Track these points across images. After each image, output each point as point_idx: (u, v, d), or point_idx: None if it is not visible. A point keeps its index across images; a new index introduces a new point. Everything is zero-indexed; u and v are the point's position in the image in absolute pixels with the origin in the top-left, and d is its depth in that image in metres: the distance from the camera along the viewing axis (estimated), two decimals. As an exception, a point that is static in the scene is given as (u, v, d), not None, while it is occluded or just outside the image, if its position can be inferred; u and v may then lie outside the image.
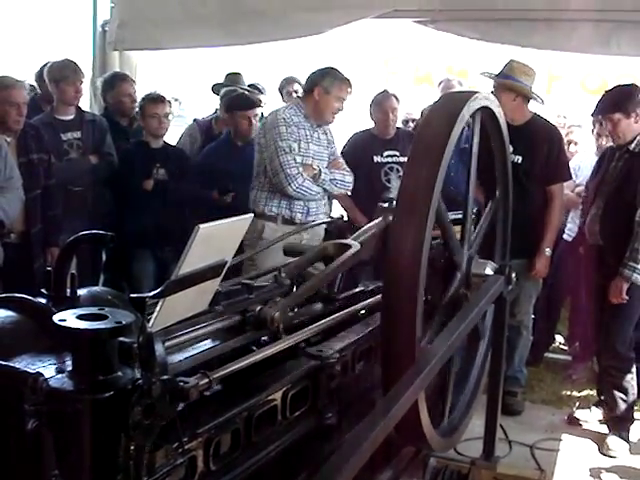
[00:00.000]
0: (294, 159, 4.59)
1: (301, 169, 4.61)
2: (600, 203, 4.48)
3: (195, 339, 1.95)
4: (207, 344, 1.99)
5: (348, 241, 2.67)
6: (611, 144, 4.64)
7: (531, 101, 4.81)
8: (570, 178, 5.02)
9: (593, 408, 4.81)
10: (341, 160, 4.92)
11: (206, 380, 1.63)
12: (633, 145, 4.34)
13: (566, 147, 5.76)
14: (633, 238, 4.20)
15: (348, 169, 4.88)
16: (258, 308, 2.13)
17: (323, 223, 3.25)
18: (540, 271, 4.78)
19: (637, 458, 4.34)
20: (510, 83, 4.66)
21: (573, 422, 4.76)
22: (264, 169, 4.73)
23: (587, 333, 5.23)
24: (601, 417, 4.71)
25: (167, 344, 1.81)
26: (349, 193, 5.01)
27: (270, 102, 6.91)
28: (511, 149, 4.64)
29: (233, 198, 5.13)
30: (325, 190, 4.75)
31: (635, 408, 4.57)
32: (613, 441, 4.41)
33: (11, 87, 4.43)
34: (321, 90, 4.66)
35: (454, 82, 6.48)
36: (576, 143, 5.93)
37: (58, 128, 5.04)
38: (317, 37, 6.19)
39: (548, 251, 4.73)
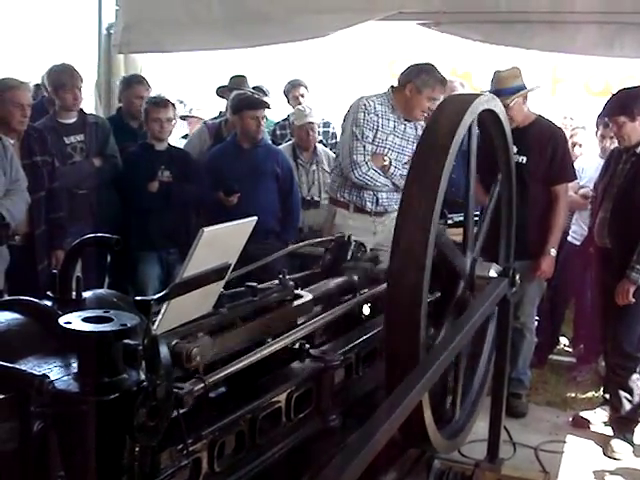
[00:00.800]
0: (364, 147, 4.56)
1: (368, 158, 4.57)
2: (608, 205, 4.48)
3: None
4: None
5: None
6: (616, 145, 4.63)
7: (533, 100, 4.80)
8: (575, 178, 5.01)
9: (598, 410, 4.80)
10: None
11: (201, 385, 1.63)
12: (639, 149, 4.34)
13: (570, 149, 5.76)
14: None
15: None
16: (174, 342, 1.74)
17: (324, 241, 3.21)
18: (545, 272, 4.77)
19: (642, 460, 4.34)
20: (523, 94, 4.66)
21: (577, 424, 4.75)
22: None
23: (592, 335, 5.22)
24: (605, 419, 4.70)
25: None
26: None
27: (275, 104, 6.93)
28: (515, 150, 4.66)
29: (239, 199, 5.12)
30: (395, 185, 4.66)
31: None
32: (618, 443, 4.41)
33: (15, 88, 4.44)
34: (413, 87, 4.58)
35: (456, 84, 6.47)
36: (580, 145, 5.92)
37: (61, 132, 5.04)
38: (321, 40, 6.20)
39: (553, 251, 4.72)
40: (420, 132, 4.68)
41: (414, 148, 4.60)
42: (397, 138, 4.68)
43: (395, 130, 4.68)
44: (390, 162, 4.63)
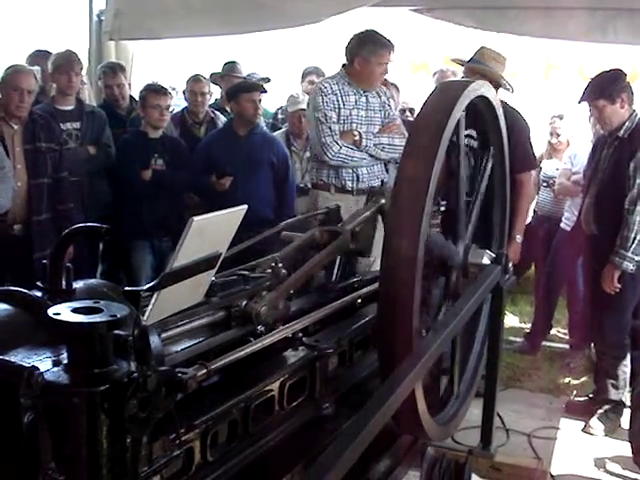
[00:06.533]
0: (329, 127, 4.59)
1: (337, 137, 4.60)
2: (593, 191, 4.48)
3: (177, 335, 1.93)
4: (197, 338, 1.98)
5: (337, 227, 2.71)
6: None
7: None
8: (536, 167, 4.92)
9: (591, 396, 4.82)
10: (397, 123, 4.78)
11: (204, 371, 1.63)
12: (622, 131, 4.32)
13: (550, 138, 5.75)
14: (623, 226, 4.20)
15: (402, 133, 4.70)
16: (244, 303, 2.09)
17: (319, 214, 3.22)
18: (512, 258, 4.75)
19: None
20: (481, 68, 4.58)
21: (571, 410, 4.77)
22: None
23: (584, 321, 5.23)
24: (598, 404, 4.71)
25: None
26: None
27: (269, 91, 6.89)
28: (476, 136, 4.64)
29: (234, 188, 5.09)
30: (372, 156, 4.67)
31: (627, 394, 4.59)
32: (596, 423, 4.45)
33: (19, 72, 4.45)
34: (361, 60, 4.61)
35: (448, 73, 6.44)
36: (559, 134, 5.88)
37: (57, 117, 5.02)
38: (315, 26, 6.16)
39: (519, 238, 4.68)
40: (385, 99, 4.77)
41: (382, 116, 4.71)
42: (362, 111, 4.69)
43: (357, 104, 4.69)
44: (360, 135, 4.64)
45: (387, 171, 4.83)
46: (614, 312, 4.40)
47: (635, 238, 4.18)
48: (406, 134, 4.72)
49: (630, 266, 4.22)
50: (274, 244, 3.34)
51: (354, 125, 4.67)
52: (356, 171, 4.69)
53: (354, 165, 4.66)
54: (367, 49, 4.59)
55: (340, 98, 4.66)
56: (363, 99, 4.72)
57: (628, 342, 4.48)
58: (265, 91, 5.42)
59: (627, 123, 4.31)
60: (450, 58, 5.03)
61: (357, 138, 4.64)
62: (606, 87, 4.29)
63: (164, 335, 1.79)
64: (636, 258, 4.20)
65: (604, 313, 4.45)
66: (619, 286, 4.26)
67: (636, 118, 4.32)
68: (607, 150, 4.42)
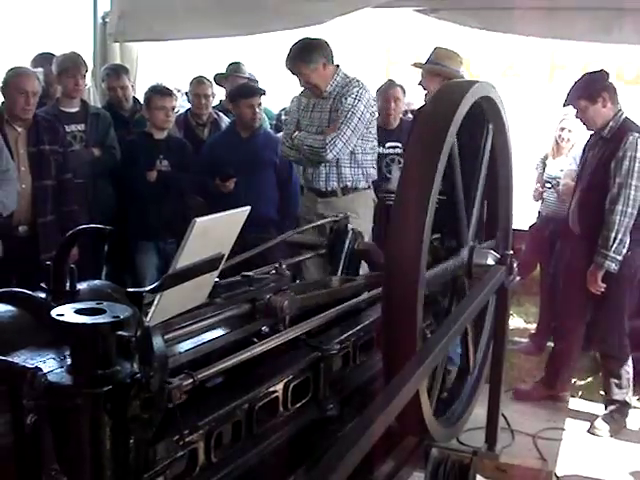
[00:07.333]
0: (287, 128, 4.80)
1: (285, 135, 4.77)
2: (578, 192, 4.49)
3: (203, 328, 2.01)
4: (214, 334, 2.04)
5: (356, 278, 2.93)
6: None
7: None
8: None
9: (595, 396, 4.81)
10: (336, 125, 4.45)
11: (190, 381, 1.63)
12: (606, 131, 4.32)
13: (559, 134, 5.73)
14: (604, 225, 4.19)
15: (327, 135, 4.43)
16: (267, 296, 2.23)
17: (328, 222, 3.26)
18: None
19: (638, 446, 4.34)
20: (437, 68, 4.65)
21: (519, 396, 4.77)
22: None
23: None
24: (603, 405, 4.71)
25: (176, 333, 1.88)
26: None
27: (272, 92, 6.90)
28: None
29: (238, 189, 5.10)
30: (307, 157, 4.57)
31: (632, 395, 4.57)
32: (601, 424, 4.44)
33: (22, 75, 4.46)
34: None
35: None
36: (570, 130, 5.85)
37: (62, 120, 5.03)
38: (318, 27, 6.16)
39: None
40: (339, 103, 4.54)
41: (322, 116, 4.61)
42: (316, 113, 4.66)
43: (314, 106, 4.67)
44: (297, 135, 4.62)
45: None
46: (608, 313, 4.40)
47: (616, 237, 4.17)
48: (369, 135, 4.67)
49: (612, 265, 4.21)
50: (278, 248, 3.37)
51: (308, 127, 4.64)
52: (305, 170, 4.72)
53: (299, 164, 4.76)
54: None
55: (304, 100, 4.72)
56: (318, 101, 4.65)
57: (627, 342, 4.47)
58: (264, 93, 5.42)
59: (611, 123, 4.31)
60: (411, 63, 5.05)
61: (295, 136, 4.65)
62: (586, 88, 4.32)
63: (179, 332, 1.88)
64: (618, 257, 4.19)
65: (599, 315, 4.46)
66: (604, 286, 4.25)
67: (620, 118, 4.32)
68: (593, 151, 4.43)
